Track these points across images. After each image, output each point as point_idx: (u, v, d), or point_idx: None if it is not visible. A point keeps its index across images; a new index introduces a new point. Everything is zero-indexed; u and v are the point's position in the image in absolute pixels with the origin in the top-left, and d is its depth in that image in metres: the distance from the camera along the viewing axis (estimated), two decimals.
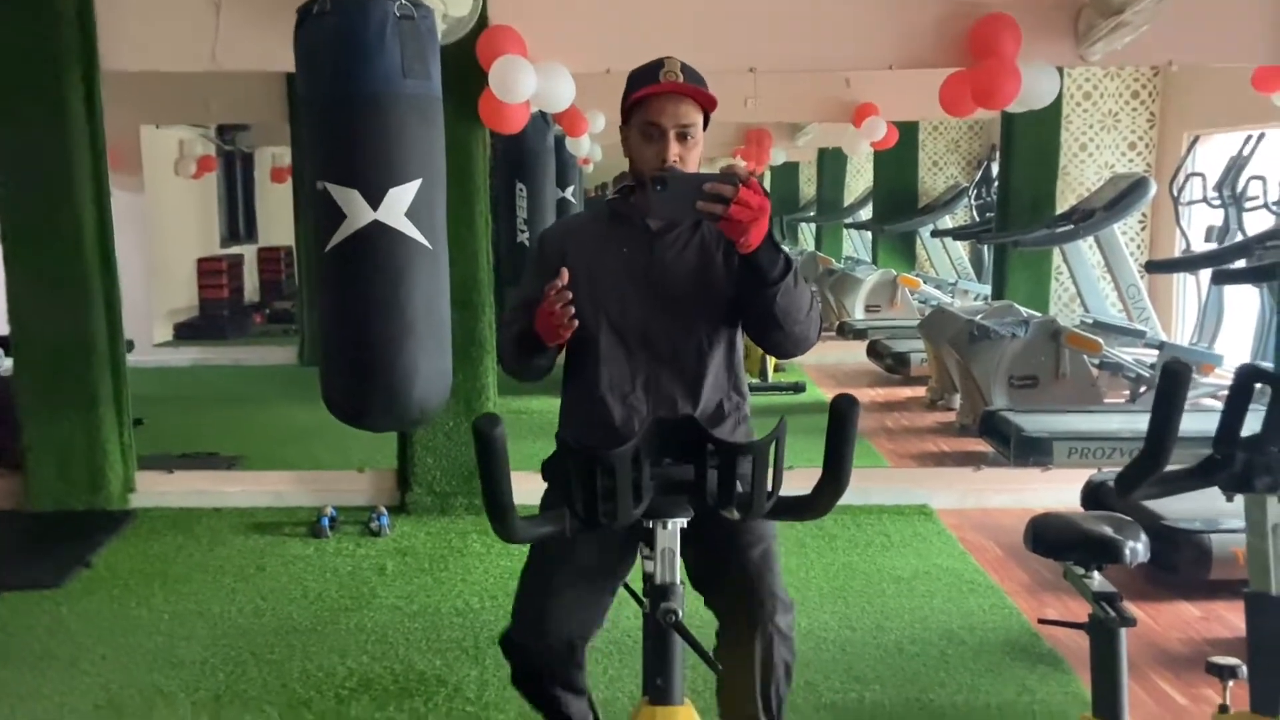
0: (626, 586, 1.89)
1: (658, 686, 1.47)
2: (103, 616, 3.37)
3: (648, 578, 1.53)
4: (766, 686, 1.90)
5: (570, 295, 1.76)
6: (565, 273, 1.77)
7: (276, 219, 12.47)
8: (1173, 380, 1.45)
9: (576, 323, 1.79)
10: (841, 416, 1.34)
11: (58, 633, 3.24)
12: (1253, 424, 1.69)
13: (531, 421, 5.16)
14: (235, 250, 11.76)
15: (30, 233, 4.15)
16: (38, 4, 3.99)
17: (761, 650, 1.88)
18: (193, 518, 4.32)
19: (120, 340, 4.34)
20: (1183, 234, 6.41)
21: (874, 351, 7.65)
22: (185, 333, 9.99)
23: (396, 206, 2.48)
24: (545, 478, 2.04)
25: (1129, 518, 2.03)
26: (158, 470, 4.59)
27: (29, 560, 3.80)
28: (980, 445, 5.32)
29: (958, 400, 6.09)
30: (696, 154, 1.91)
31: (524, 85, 3.91)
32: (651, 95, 1.86)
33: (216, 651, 3.10)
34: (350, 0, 2.39)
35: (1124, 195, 6.09)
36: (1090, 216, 6.16)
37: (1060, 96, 4.74)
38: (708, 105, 1.90)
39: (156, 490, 4.46)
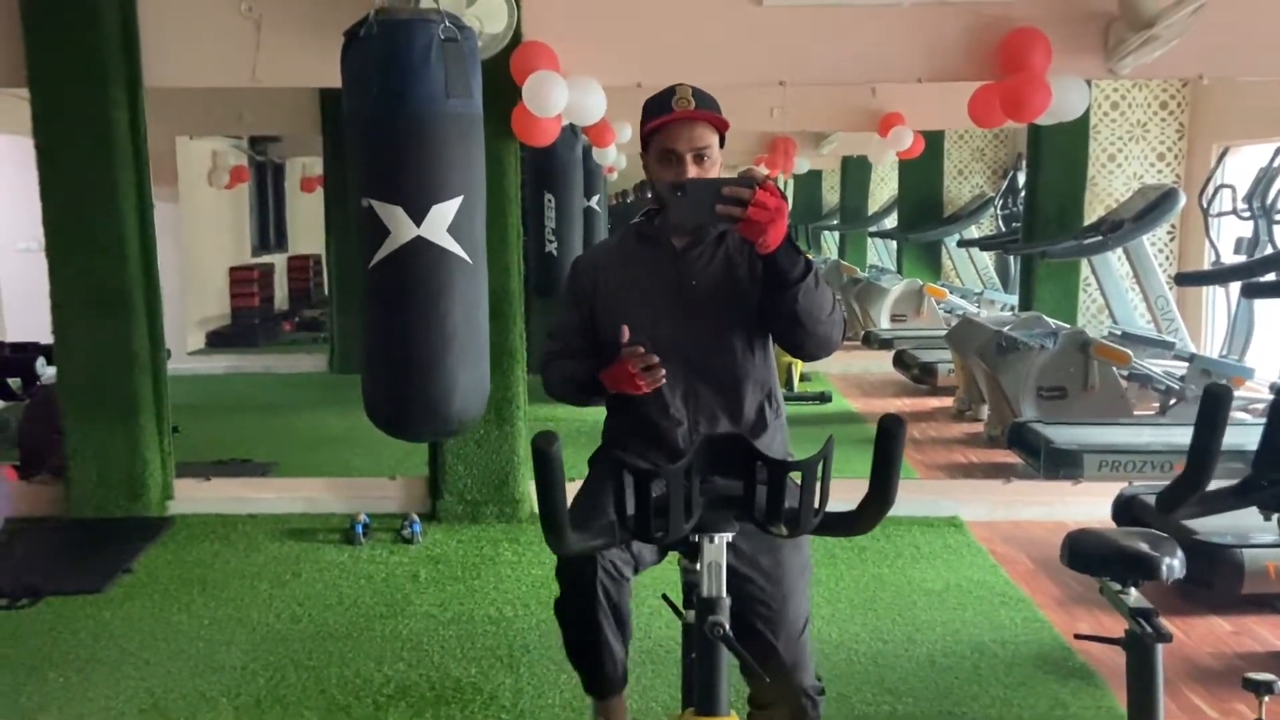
0: (665, 598, 1.93)
1: (705, 698, 1.50)
2: (145, 621, 3.44)
3: (690, 588, 1.57)
4: None
5: (656, 358, 1.85)
6: (626, 331, 1.87)
7: (306, 228, 12.62)
8: (1214, 402, 1.47)
9: (664, 379, 1.88)
10: (889, 435, 1.38)
11: (102, 637, 3.31)
12: None
13: (560, 429, 5.19)
14: (266, 259, 11.90)
15: (74, 244, 4.24)
16: (83, 23, 4.09)
17: None
18: (229, 524, 4.39)
19: (161, 349, 4.43)
20: (1212, 246, 6.37)
21: (900, 361, 7.65)
22: (218, 341, 10.12)
23: (439, 223, 2.54)
24: (591, 467, 2.10)
25: (1165, 534, 2.05)
26: (195, 477, 4.67)
27: (72, 566, 3.88)
28: (1009, 457, 5.31)
29: (985, 411, 6.09)
30: (714, 172, 1.98)
31: (557, 99, 3.96)
32: (666, 123, 1.94)
33: (256, 657, 3.16)
34: (396, 23, 2.45)
35: (1153, 206, 6.07)
36: (1119, 228, 6.14)
37: (1088, 107, 4.74)
38: (720, 127, 1.98)
39: (194, 497, 4.54)
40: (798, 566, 1.96)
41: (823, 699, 1.95)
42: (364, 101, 2.51)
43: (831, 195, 15.20)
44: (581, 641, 2.06)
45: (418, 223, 2.51)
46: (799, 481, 1.44)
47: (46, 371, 5.21)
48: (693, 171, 1.92)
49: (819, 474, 1.42)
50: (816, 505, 1.45)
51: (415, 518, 4.30)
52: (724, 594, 1.51)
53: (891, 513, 4.63)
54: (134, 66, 4.17)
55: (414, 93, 2.44)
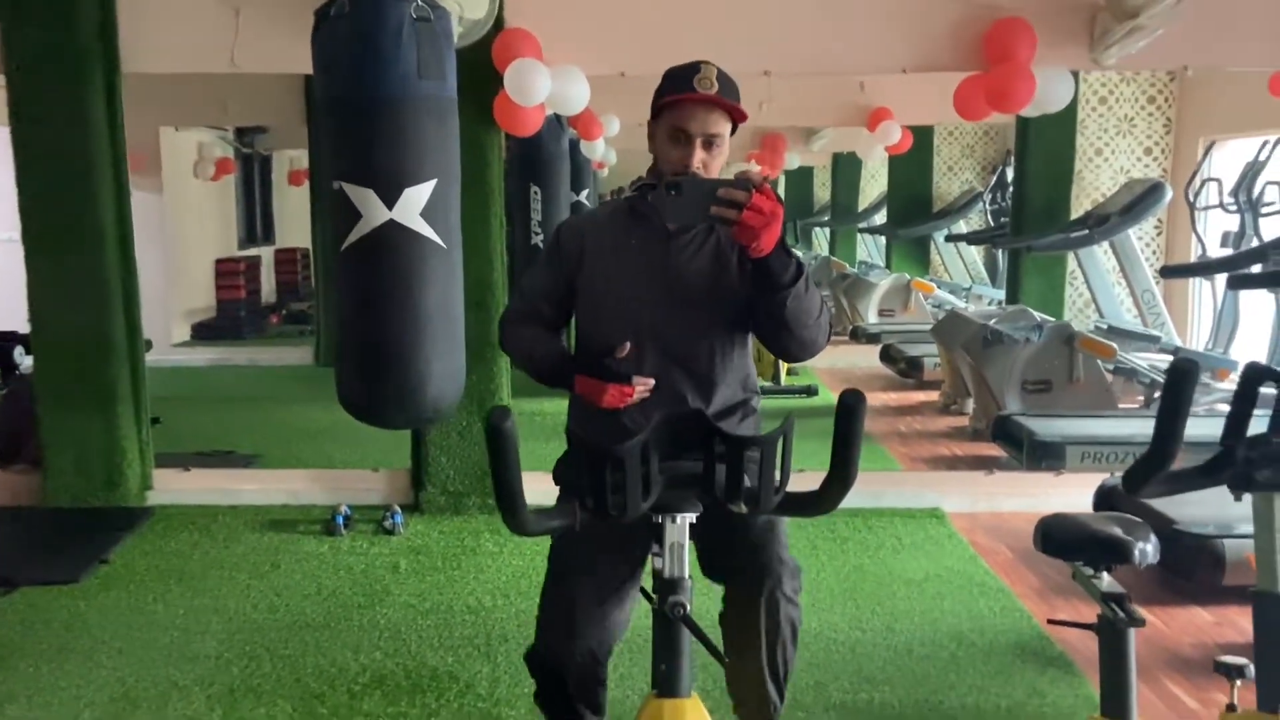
0: (642, 590, 1.91)
1: (666, 679, 1.49)
2: (120, 612, 3.41)
3: (656, 573, 1.55)
4: (773, 649, 1.93)
5: (653, 382, 1.86)
6: (629, 347, 1.86)
7: (293, 221, 12.56)
8: (1179, 377, 1.46)
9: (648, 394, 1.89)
10: (849, 411, 1.35)
11: (75, 627, 3.28)
12: (1260, 426, 1.69)
13: (545, 423, 5.16)
14: (253, 252, 11.85)
15: (51, 233, 4.20)
16: (60, 9, 4.05)
17: (767, 613, 1.91)
18: (209, 515, 4.36)
19: (139, 339, 4.39)
20: (1198, 239, 6.38)
21: (887, 356, 7.65)
22: (203, 333, 10.08)
23: (412, 206, 2.51)
24: (557, 481, 2.06)
25: (1139, 519, 2.04)
26: (174, 468, 4.63)
27: (48, 556, 3.85)
28: (993, 449, 5.31)
29: (970, 405, 6.09)
30: (721, 161, 1.93)
31: (539, 88, 3.93)
32: (683, 101, 1.87)
33: (231, 646, 3.13)
34: (367, 3, 2.42)
35: (1139, 200, 6.08)
36: (1105, 222, 6.15)
37: (1075, 101, 4.74)
38: (738, 117, 1.92)
39: (173, 488, 4.51)
40: (792, 569, 1.97)
41: (798, 581, 1.98)
42: (335, 82, 2.49)
43: (822, 192, 15.21)
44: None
45: (390, 206, 2.48)
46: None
47: (25, 361, 5.17)
48: (700, 156, 1.87)
49: (779, 452, 1.40)
50: (777, 484, 1.43)
51: (397, 509, 4.27)
52: (685, 574, 1.49)
53: (873, 504, 4.60)
54: (111, 53, 4.13)
55: (385, 73, 2.41)
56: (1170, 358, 5.83)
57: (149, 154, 8.38)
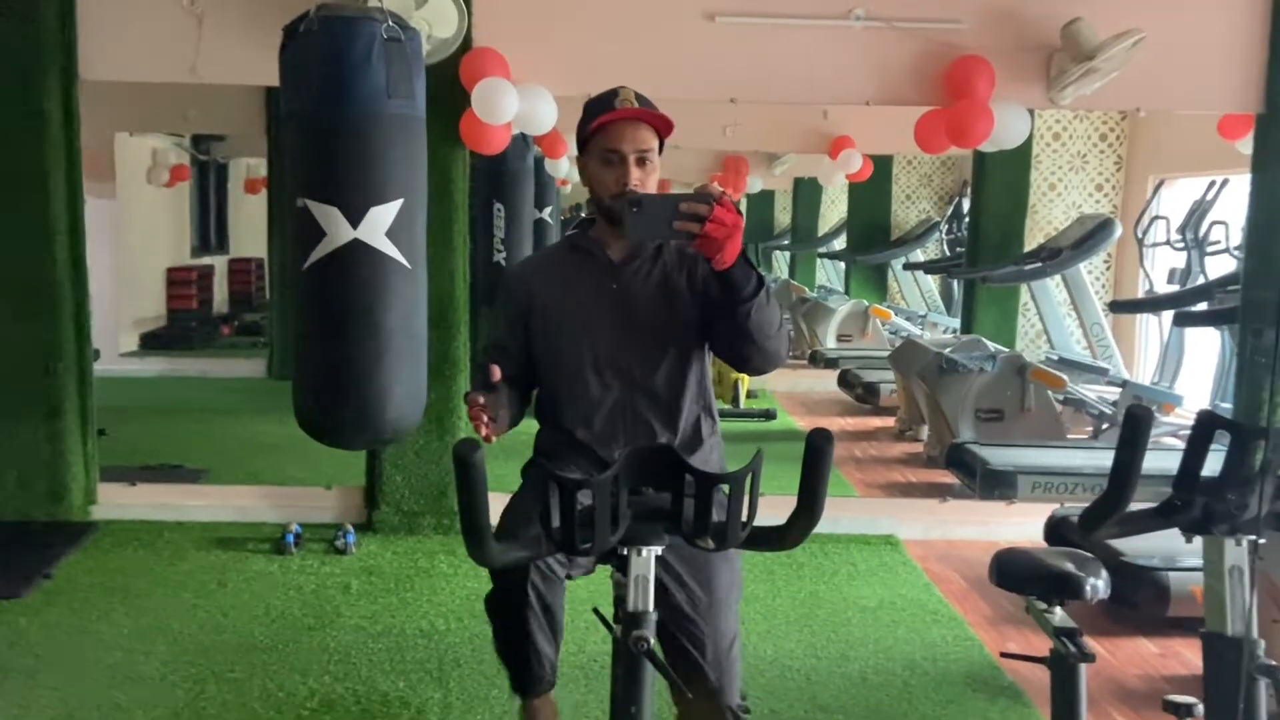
0: (597, 613, 1.90)
1: (628, 714, 1.48)
2: (62, 629, 3.32)
3: (619, 603, 1.54)
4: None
5: (488, 409, 1.80)
6: (496, 371, 1.81)
7: (249, 231, 12.38)
8: (1135, 424, 1.49)
9: (495, 428, 1.84)
10: (817, 451, 1.37)
11: (17, 645, 3.18)
12: (1214, 465, 1.74)
13: (502, 443, 5.15)
14: (206, 260, 11.66)
15: (1, 238, 4.10)
16: (18, 11, 3.97)
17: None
18: (155, 531, 4.26)
19: (88, 349, 4.29)
20: (1146, 275, 6.55)
21: (845, 381, 7.71)
22: (152, 343, 9.87)
23: (377, 226, 2.49)
24: (523, 476, 2.06)
25: (1091, 554, 2.08)
26: (120, 482, 4.52)
27: None
28: (947, 476, 5.38)
29: (925, 431, 6.16)
30: (654, 179, 1.96)
31: (507, 107, 3.93)
32: (610, 122, 1.91)
33: (176, 668, 3.06)
34: (337, 21, 2.41)
35: (1090, 235, 6.22)
36: (1057, 255, 6.28)
37: (1031, 137, 4.84)
38: (664, 129, 1.95)
39: (118, 502, 4.40)
40: (727, 582, 1.95)
41: (748, 717, 1.94)
42: (302, 100, 2.47)
43: (783, 215, 15.35)
44: (510, 638, 2.02)
45: (354, 225, 2.46)
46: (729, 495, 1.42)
47: None
48: (635, 174, 1.90)
49: (747, 487, 1.40)
50: (745, 519, 1.43)
51: (349, 528, 4.21)
52: (650, 608, 1.49)
53: (829, 530, 4.62)
54: (70, 58, 4.05)
55: (354, 92, 2.40)
56: (1118, 390, 5.97)
57: (103, 158, 8.22)
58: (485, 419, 1.79)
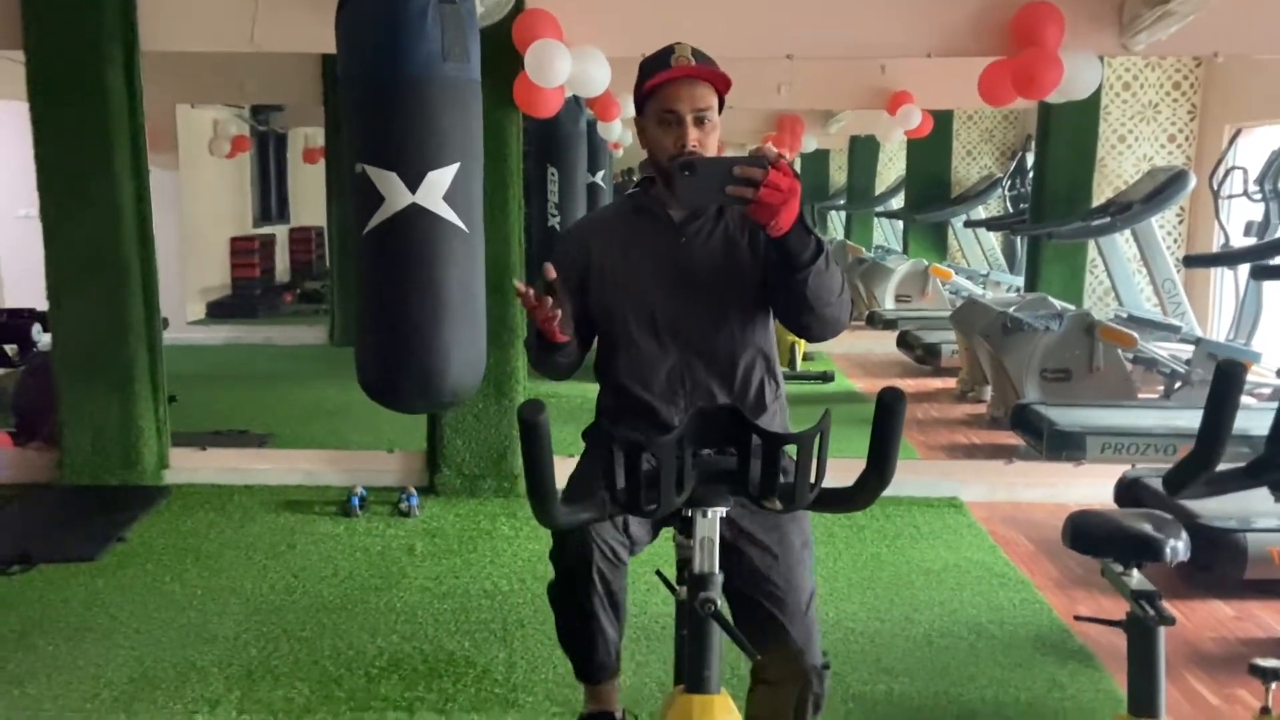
0: (660, 575, 1.89)
1: (695, 676, 1.47)
2: (137, 590, 3.42)
3: (684, 565, 1.53)
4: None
5: (550, 300, 1.74)
6: (551, 269, 1.72)
7: (308, 200, 12.55)
8: (1227, 380, 1.42)
9: (558, 317, 1.77)
10: (888, 409, 1.33)
11: (94, 605, 3.29)
12: None
13: (561, 405, 5.15)
14: (268, 230, 11.84)
15: (69, 210, 4.20)
16: None
17: (797, 705, 1.88)
18: (225, 494, 4.37)
19: (156, 317, 4.39)
20: (1221, 229, 6.30)
21: (904, 342, 7.60)
22: (218, 311, 10.09)
23: (435, 190, 2.48)
24: (585, 440, 2.04)
25: (1169, 515, 2.01)
26: (191, 447, 4.64)
27: (65, 533, 3.86)
28: (1011, 438, 5.28)
29: (989, 392, 6.05)
30: (714, 138, 1.89)
31: (560, 69, 3.90)
32: (666, 82, 1.84)
33: (249, 628, 3.14)
34: None
35: (1162, 188, 6.00)
36: (1127, 209, 6.08)
37: (1099, 87, 4.67)
38: (722, 86, 1.88)
39: (189, 467, 4.51)
40: (800, 542, 1.92)
41: (828, 674, 1.92)
42: (358, 64, 2.46)
43: (839, 175, 15.10)
44: (574, 627, 2.00)
45: (413, 189, 2.46)
46: (795, 457, 1.40)
47: (42, 338, 5.17)
48: (693, 134, 1.84)
49: (815, 448, 1.37)
50: (813, 480, 1.40)
51: (413, 491, 4.27)
52: (716, 570, 1.47)
53: (891, 492, 4.59)
54: (131, 30, 4.11)
55: (410, 55, 2.38)
56: (1190, 348, 5.78)
57: (165, 131, 8.35)
58: (549, 304, 1.72)
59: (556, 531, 1.89)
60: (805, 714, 1.89)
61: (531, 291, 1.73)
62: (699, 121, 1.85)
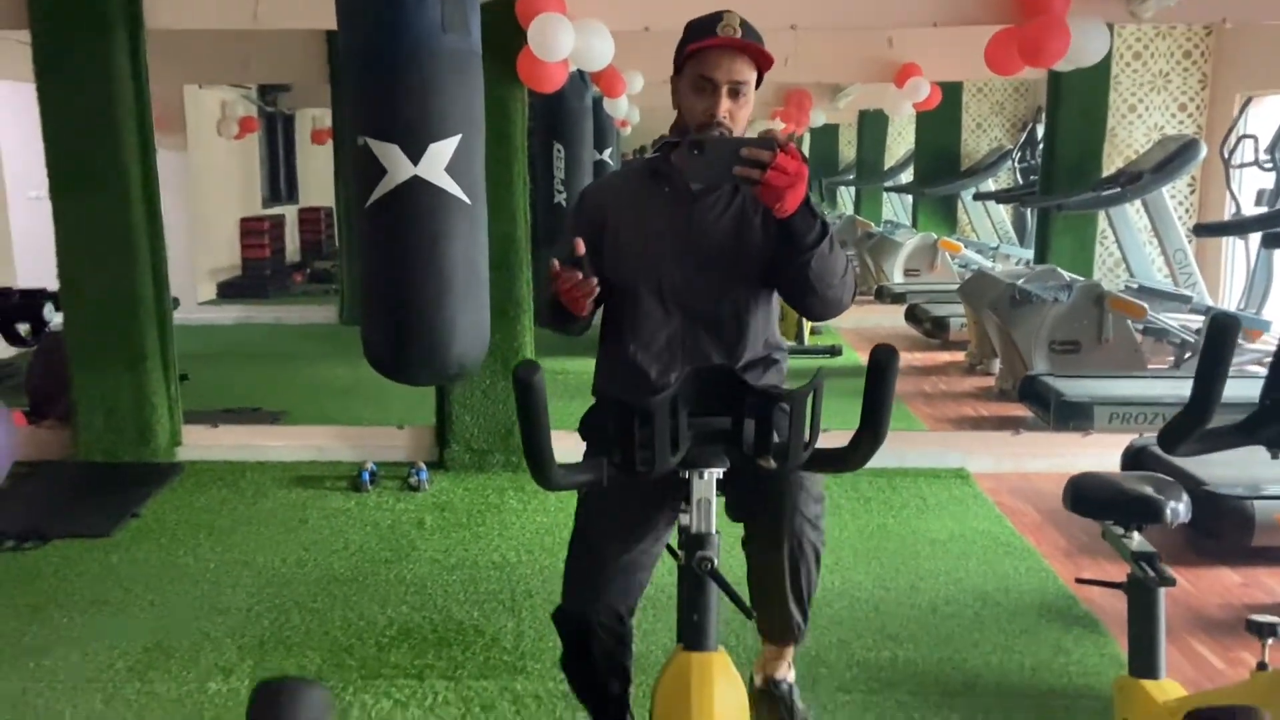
0: (667, 546, 1.91)
1: (693, 633, 1.49)
2: (151, 565, 3.46)
3: (683, 528, 1.55)
4: (796, 573, 1.93)
5: (579, 275, 1.76)
6: (580, 244, 1.75)
7: (317, 180, 12.55)
8: (1220, 333, 1.42)
9: (597, 289, 1.80)
10: (881, 367, 1.34)
11: (108, 580, 3.34)
12: None
13: (569, 381, 5.19)
14: (277, 210, 11.86)
15: (76, 189, 4.22)
16: None
17: (789, 536, 1.90)
18: (237, 470, 4.41)
19: (166, 296, 4.42)
20: (1233, 197, 6.25)
21: (912, 316, 7.58)
22: (228, 291, 10.15)
23: (437, 162, 2.48)
24: (583, 435, 2.06)
25: (1170, 478, 2.02)
26: (203, 424, 4.68)
27: (80, 509, 3.91)
28: (1019, 410, 5.27)
29: (997, 365, 6.03)
30: (746, 112, 1.90)
31: (563, 43, 3.89)
32: (708, 48, 1.84)
33: (261, 600, 3.18)
34: None
35: (1173, 158, 5.95)
36: (1138, 179, 6.03)
37: (1109, 56, 4.62)
38: (764, 64, 1.88)
39: (202, 444, 4.56)
40: (813, 495, 1.94)
41: (820, 507, 1.97)
42: (358, 35, 2.46)
43: (848, 150, 15.01)
44: (583, 692, 2.14)
45: (414, 161, 2.45)
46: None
47: (55, 317, 5.21)
48: (725, 105, 1.84)
49: (808, 408, 1.38)
50: (807, 440, 1.42)
51: (422, 466, 4.30)
52: (713, 530, 1.49)
53: (897, 463, 4.58)
54: (135, 8, 4.12)
55: (409, 26, 2.37)
56: (1201, 318, 5.75)
57: (174, 113, 8.37)
58: (579, 278, 1.76)
59: (558, 613, 2.06)
60: (800, 567, 1.93)
61: (563, 271, 1.77)
62: (734, 93, 1.86)
